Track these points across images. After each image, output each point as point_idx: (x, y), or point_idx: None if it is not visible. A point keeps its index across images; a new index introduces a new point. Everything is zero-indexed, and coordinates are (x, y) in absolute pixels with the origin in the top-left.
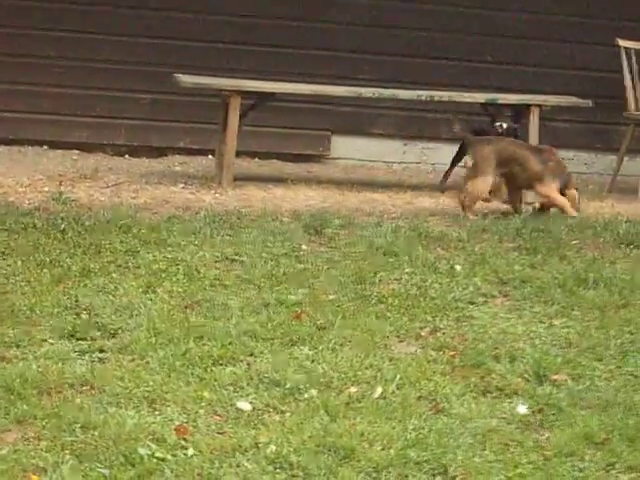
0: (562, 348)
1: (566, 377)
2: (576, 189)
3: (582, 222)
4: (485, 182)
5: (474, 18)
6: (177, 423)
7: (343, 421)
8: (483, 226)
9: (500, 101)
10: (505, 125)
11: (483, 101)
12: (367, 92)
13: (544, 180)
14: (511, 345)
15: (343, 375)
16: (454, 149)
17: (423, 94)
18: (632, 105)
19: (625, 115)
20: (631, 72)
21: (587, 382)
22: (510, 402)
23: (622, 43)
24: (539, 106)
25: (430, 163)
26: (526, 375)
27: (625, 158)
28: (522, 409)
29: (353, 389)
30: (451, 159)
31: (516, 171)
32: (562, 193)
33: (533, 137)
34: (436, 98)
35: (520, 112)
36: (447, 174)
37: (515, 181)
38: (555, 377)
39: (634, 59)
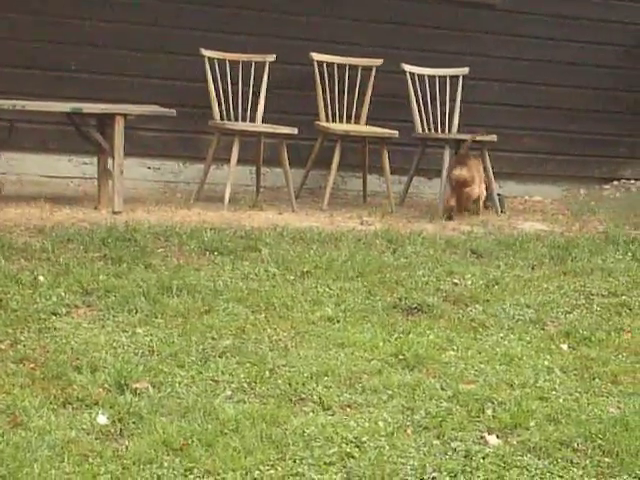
0: (144, 356)
1: (147, 385)
2: None
3: (168, 230)
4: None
5: (58, 26)
6: None
7: None
8: (69, 236)
9: (85, 110)
10: None
11: (68, 110)
12: None
13: None
14: (93, 355)
15: None
16: (38, 158)
17: (6, 103)
18: (217, 114)
19: (210, 124)
20: (215, 81)
21: (168, 389)
22: (90, 412)
23: (206, 53)
24: (123, 115)
25: (15, 173)
26: (107, 385)
27: (212, 167)
28: (102, 419)
29: None
30: None
31: None
32: None
33: (118, 146)
34: (18, 107)
35: (105, 121)
36: None
37: None
38: (136, 385)
39: (217, 68)
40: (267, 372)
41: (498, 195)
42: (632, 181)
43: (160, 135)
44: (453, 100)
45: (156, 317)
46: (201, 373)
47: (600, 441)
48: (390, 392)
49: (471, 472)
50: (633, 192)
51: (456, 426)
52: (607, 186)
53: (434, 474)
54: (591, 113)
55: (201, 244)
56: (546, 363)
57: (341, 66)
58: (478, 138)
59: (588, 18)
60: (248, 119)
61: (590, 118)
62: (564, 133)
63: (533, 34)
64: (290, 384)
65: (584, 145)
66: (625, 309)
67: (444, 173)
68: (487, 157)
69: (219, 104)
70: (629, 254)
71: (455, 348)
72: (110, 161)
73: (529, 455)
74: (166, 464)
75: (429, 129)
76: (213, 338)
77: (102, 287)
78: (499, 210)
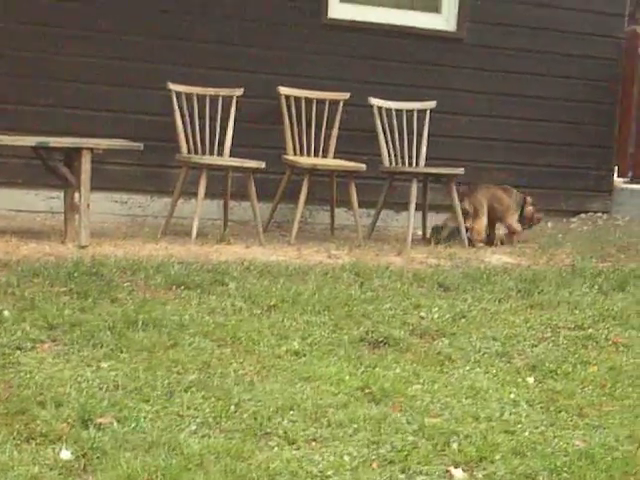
0: (109, 391)
1: (112, 419)
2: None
3: (135, 264)
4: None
5: (24, 61)
6: None
7: None
8: (34, 270)
9: (52, 144)
10: None
11: (34, 144)
12: None
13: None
14: (57, 390)
15: None
16: (5, 193)
17: None
18: (184, 148)
19: (178, 158)
20: (182, 115)
21: (133, 424)
22: (54, 448)
23: (173, 87)
24: (90, 149)
25: None
26: (71, 420)
27: (179, 200)
28: (66, 454)
29: None
30: None
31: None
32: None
33: (85, 180)
34: None
35: (72, 155)
36: None
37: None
38: (100, 420)
39: (185, 102)
40: (232, 407)
41: (466, 228)
42: (599, 214)
43: (127, 169)
44: (420, 134)
45: (121, 351)
46: (166, 408)
47: (565, 474)
48: (356, 426)
49: None
50: (600, 225)
51: (421, 460)
52: (574, 219)
53: None
54: (558, 146)
55: (168, 278)
56: (512, 396)
57: (309, 100)
58: (443, 171)
59: (554, 52)
60: (216, 153)
61: (557, 151)
62: (531, 166)
63: (500, 68)
64: (255, 418)
65: (551, 178)
66: (591, 342)
67: (412, 206)
68: (454, 190)
69: (186, 138)
70: (596, 287)
71: (421, 382)
72: (77, 195)
73: None
74: None
75: (397, 163)
76: (179, 372)
77: (67, 321)
78: (466, 243)
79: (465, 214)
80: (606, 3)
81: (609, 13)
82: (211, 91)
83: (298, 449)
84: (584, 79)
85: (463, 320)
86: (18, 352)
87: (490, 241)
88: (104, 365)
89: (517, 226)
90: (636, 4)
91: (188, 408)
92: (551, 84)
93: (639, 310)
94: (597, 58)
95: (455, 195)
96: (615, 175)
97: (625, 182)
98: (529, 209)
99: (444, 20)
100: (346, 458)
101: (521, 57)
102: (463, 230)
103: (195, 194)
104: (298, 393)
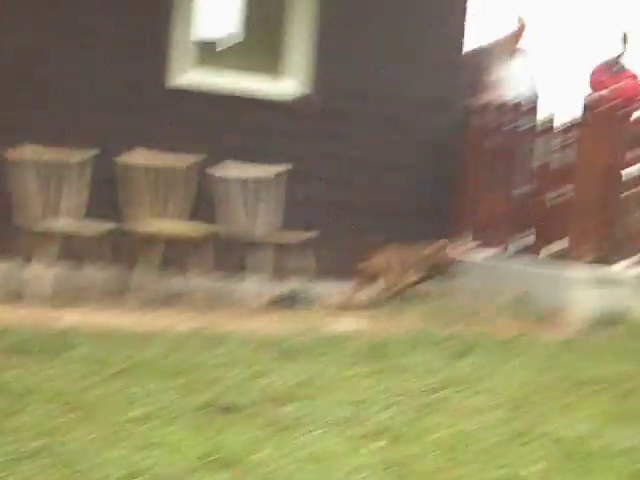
0: None
1: None
2: None
3: None
4: None
5: None
6: None
7: None
8: None
9: None
10: None
11: None
12: None
13: None
14: None
15: None
16: None
17: None
18: (28, 212)
19: (21, 222)
20: (28, 179)
21: None
22: None
23: (17, 151)
24: None
25: None
26: None
27: (23, 264)
28: None
29: None
30: None
31: None
32: None
33: None
34: None
35: None
36: None
37: None
38: None
39: (31, 167)
40: (78, 473)
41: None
42: (444, 280)
43: None
44: (269, 199)
45: None
46: (10, 475)
47: None
48: None
49: None
50: (445, 291)
51: None
52: (420, 285)
53: None
54: (402, 212)
55: (9, 344)
56: (362, 460)
57: (154, 165)
58: (285, 240)
59: (399, 119)
60: (62, 216)
61: (401, 217)
62: (377, 231)
63: (347, 133)
64: None
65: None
66: (442, 405)
67: (259, 271)
68: (308, 255)
69: (31, 202)
70: (444, 352)
71: (269, 447)
72: None
73: None
74: None
75: (249, 228)
76: (23, 439)
77: None
78: (317, 308)
79: (364, 276)
80: (449, 75)
81: (451, 85)
82: (57, 155)
83: None
84: (428, 147)
85: (312, 385)
86: None
87: (346, 305)
88: None
89: (413, 281)
90: (478, 76)
91: (33, 475)
92: (396, 151)
93: (486, 374)
94: (440, 127)
95: (309, 259)
96: (458, 242)
97: (467, 250)
98: (439, 256)
99: (292, 85)
100: None
101: (368, 123)
102: (313, 295)
103: (39, 258)
104: (145, 459)
